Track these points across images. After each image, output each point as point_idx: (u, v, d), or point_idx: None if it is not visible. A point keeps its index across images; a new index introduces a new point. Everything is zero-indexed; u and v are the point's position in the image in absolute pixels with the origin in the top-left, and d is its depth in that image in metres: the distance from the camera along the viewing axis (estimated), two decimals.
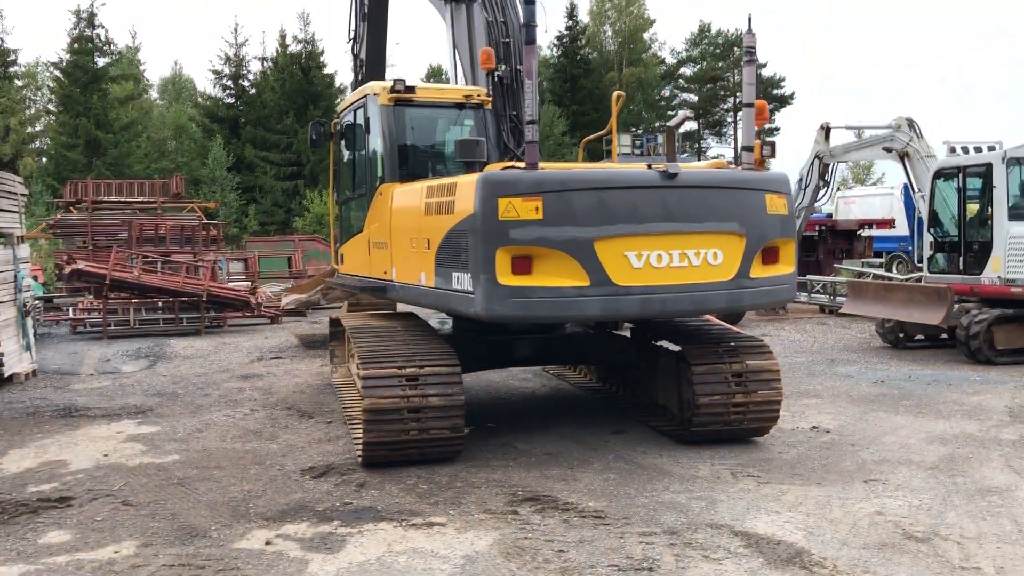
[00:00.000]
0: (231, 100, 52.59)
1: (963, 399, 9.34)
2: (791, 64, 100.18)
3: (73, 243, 22.20)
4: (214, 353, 14.10)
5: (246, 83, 52.44)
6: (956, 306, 11.86)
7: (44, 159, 47.91)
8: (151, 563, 4.93)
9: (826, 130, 16.57)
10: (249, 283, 20.71)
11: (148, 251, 19.32)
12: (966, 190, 12.45)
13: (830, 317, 17.50)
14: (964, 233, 12.47)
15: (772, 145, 7.34)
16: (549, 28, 69.56)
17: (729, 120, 61.15)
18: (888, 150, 15.07)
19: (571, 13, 57.18)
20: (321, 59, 50.97)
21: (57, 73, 46.53)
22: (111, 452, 7.52)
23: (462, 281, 6.37)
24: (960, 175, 12.52)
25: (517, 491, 6.15)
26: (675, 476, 6.50)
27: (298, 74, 49.29)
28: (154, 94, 61.56)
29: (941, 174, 12.96)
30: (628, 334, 9.06)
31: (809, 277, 18.81)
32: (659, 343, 8.30)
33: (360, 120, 8.83)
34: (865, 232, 23.03)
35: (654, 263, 6.32)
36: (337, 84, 49.55)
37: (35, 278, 21.79)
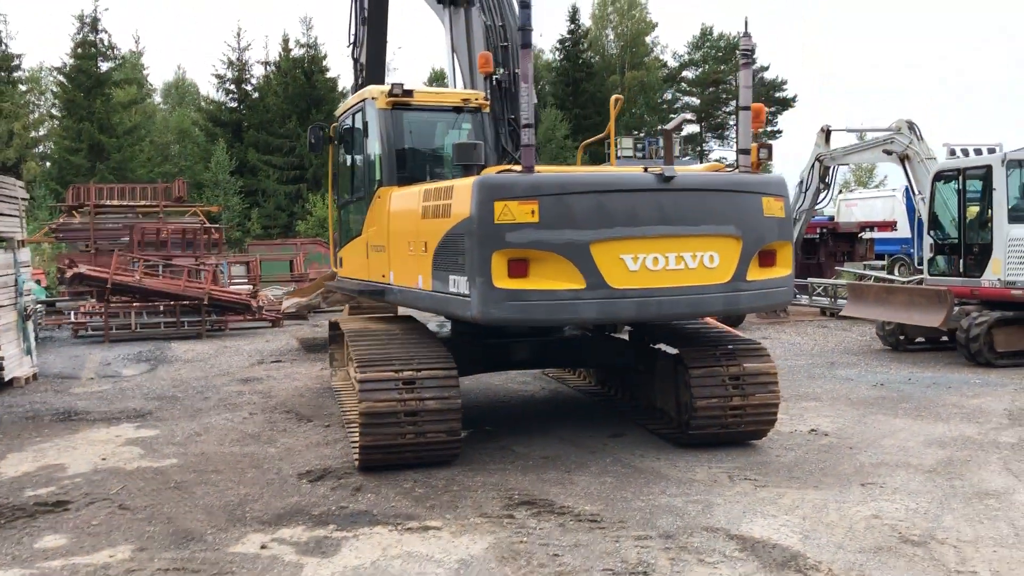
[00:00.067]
0: (234, 104, 52.66)
1: (963, 402, 9.32)
2: (792, 66, 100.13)
3: (76, 247, 22.25)
4: (215, 356, 14.12)
5: (249, 87, 52.52)
6: (956, 308, 11.84)
7: (48, 163, 48.00)
8: (146, 567, 4.94)
9: (826, 133, 16.55)
10: (251, 286, 20.73)
11: (150, 255, 19.36)
12: (966, 192, 12.43)
13: (831, 320, 17.48)
14: (964, 235, 12.45)
15: (769, 148, 7.34)
16: (552, 32, 69.78)
17: (731, 123, 61.05)
18: (888, 152, 15.04)
19: (573, 17, 57.21)
20: (324, 63, 51.09)
21: (61, 78, 46.64)
22: (109, 456, 7.53)
23: (458, 284, 6.38)
24: (960, 177, 12.51)
25: (514, 495, 6.15)
26: (672, 479, 6.50)
27: (301, 78, 49.38)
28: (157, 98, 61.72)
29: (941, 176, 12.94)
30: (626, 337, 9.06)
31: (810, 280, 18.79)
32: (657, 346, 8.30)
33: (359, 124, 8.85)
34: (867, 234, 23.00)
35: (650, 266, 6.32)
36: (340, 88, 49.63)
37: (38, 282, 21.86)
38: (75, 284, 17.39)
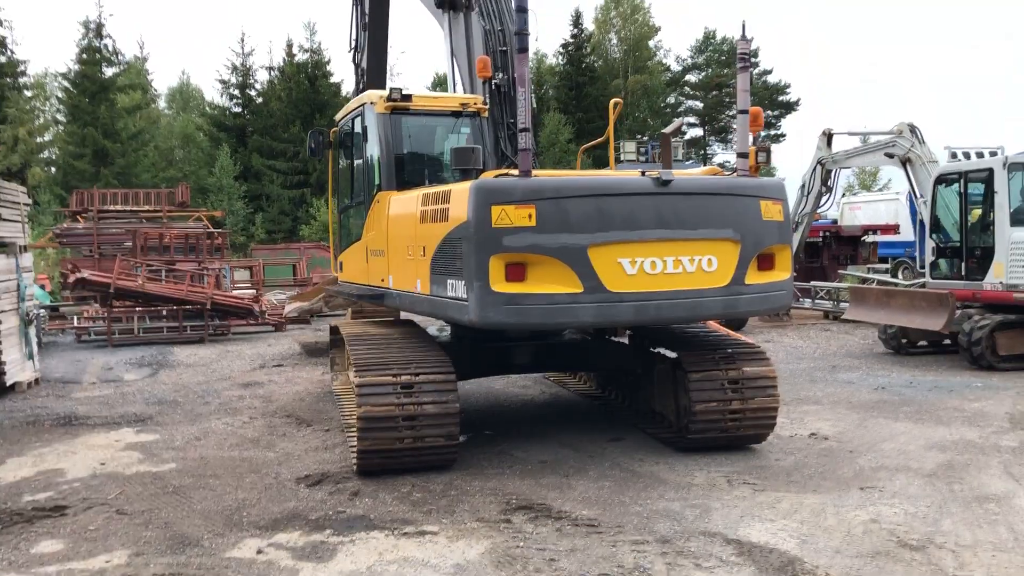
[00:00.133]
0: (238, 109, 52.86)
1: (964, 405, 9.28)
2: (795, 69, 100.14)
3: (79, 252, 22.30)
4: (217, 361, 14.14)
5: (253, 92, 52.72)
6: (958, 312, 11.80)
7: (52, 169, 48.16)
8: (142, 572, 4.94)
9: (828, 136, 16.52)
10: (254, 291, 20.76)
11: (153, 259, 19.40)
12: (968, 196, 12.40)
13: (834, 323, 17.43)
14: (966, 239, 12.42)
15: (768, 151, 7.33)
16: (555, 37, 69.67)
17: (734, 127, 61.05)
18: (890, 156, 15.00)
19: (576, 21, 57.34)
20: (327, 68, 51.29)
21: (66, 83, 46.87)
22: (108, 461, 7.53)
23: (456, 288, 6.38)
24: (962, 181, 12.48)
25: (511, 499, 6.14)
26: (670, 484, 6.48)
27: (304, 83, 49.56)
28: (162, 104, 61.92)
29: (943, 180, 12.92)
30: (626, 341, 9.05)
31: (813, 283, 18.75)
32: (656, 350, 8.28)
33: (358, 128, 8.86)
34: (870, 238, 22.92)
35: (648, 270, 6.31)
36: (343, 93, 49.70)
37: (42, 287, 21.92)
38: (78, 289, 17.44)
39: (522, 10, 6.22)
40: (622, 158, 34.11)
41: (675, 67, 62.29)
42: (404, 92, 8.31)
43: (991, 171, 11.93)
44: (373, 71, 12.10)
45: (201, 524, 5.75)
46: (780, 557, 4.99)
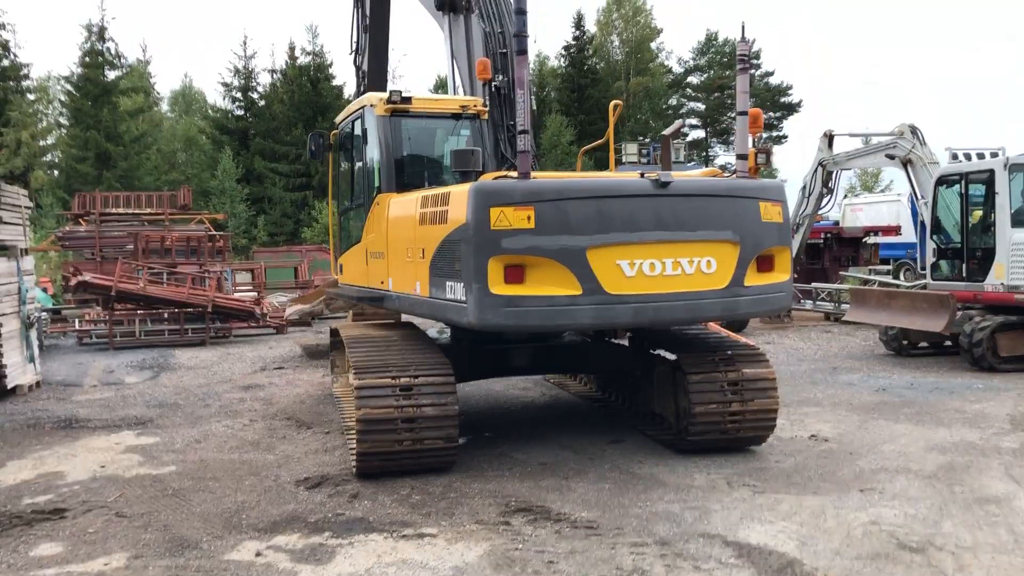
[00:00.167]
0: (240, 112, 52.90)
1: (965, 407, 9.27)
2: (796, 70, 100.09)
3: (81, 255, 22.33)
4: (218, 363, 14.15)
5: (255, 95, 52.76)
6: (959, 313, 11.78)
7: (55, 172, 48.24)
8: (140, 575, 4.94)
9: (829, 137, 16.50)
10: (255, 293, 20.78)
11: (154, 262, 19.41)
12: (969, 197, 12.38)
13: (835, 325, 17.41)
14: (967, 240, 12.40)
15: (768, 153, 7.33)
16: (558, 39, 69.68)
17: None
18: (891, 157, 14.99)
19: (578, 23, 57.40)
20: (330, 70, 51.29)
21: (68, 87, 46.91)
22: (108, 463, 7.54)
23: (455, 290, 6.37)
24: (963, 182, 12.46)
25: (511, 501, 6.13)
26: (670, 486, 6.47)
27: (307, 86, 49.58)
28: (164, 107, 61.98)
29: (944, 181, 12.90)
30: (626, 343, 9.04)
31: (814, 284, 18.73)
32: (656, 352, 8.28)
33: (358, 131, 8.87)
34: (871, 239, 22.90)
35: (647, 271, 6.31)
36: (345, 95, 49.70)
37: (44, 290, 21.97)
38: (79, 292, 17.46)
39: (521, 12, 6.22)
40: (624, 160, 34.13)
41: (677, 69, 62.34)
42: (404, 94, 8.32)
43: (992, 172, 11.91)
44: (374, 73, 12.12)
45: (200, 527, 5.75)
46: (780, 559, 4.98)
